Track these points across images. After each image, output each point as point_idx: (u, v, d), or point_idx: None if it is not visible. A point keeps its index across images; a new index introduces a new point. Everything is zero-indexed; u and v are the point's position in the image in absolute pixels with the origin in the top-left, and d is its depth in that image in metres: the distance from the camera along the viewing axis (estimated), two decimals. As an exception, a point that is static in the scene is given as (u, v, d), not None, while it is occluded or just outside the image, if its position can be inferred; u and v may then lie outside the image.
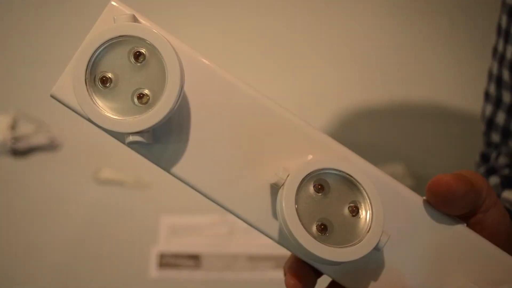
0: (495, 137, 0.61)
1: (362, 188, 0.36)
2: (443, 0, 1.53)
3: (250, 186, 0.37)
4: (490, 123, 0.61)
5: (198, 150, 0.37)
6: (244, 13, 1.49)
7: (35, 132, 1.18)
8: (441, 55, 1.40)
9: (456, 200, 0.37)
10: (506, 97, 0.59)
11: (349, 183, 0.36)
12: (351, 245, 0.35)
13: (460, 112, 1.28)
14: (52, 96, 0.36)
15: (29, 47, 1.38)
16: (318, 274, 0.39)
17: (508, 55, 0.57)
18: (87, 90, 0.34)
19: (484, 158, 0.62)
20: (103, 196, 1.12)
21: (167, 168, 0.37)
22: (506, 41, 0.57)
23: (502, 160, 0.59)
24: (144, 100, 0.34)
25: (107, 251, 1.04)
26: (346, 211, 0.36)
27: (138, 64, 0.35)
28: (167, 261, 1.03)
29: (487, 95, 0.62)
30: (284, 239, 0.37)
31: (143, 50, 0.34)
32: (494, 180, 0.57)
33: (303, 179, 0.35)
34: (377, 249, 0.35)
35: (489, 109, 0.61)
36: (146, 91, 0.34)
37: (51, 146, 1.18)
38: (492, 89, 0.61)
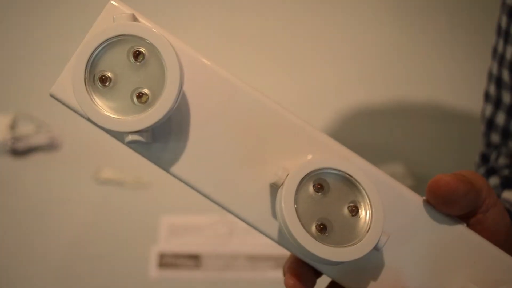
0: (495, 138, 0.61)
1: (361, 188, 0.36)
2: (443, 0, 1.53)
3: (249, 186, 0.37)
4: (490, 124, 0.61)
5: (197, 149, 0.37)
6: (244, 13, 1.49)
7: (35, 132, 1.18)
8: (441, 55, 1.40)
9: (456, 200, 0.37)
10: (506, 97, 0.59)
11: (349, 183, 0.36)
12: (350, 245, 0.35)
13: (460, 112, 1.28)
14: (51, 96, 0.36)
15: (28, 46, 1.38)
16: (318, 274, 0.39)
17: (508, 56, 0.57)
18: (86, 89, 0.34)
19: (484, 158, 0.62)
20: (103, 196, 1.12)
21: (166, 168, 0.37)
22: (506, 42, 0.57)
23: (502, 160, 0.59)
24: (144, 99, 0.34)
25: (107, 251, 1.04)
26: (345, 211, 0.36)
27: (138, 63, 0.35)
28: (167, 261, 1.03)
29: (487, 96, 0.62)
30: (283, 239, 0.37)
31: (142, 49, 0.34)
32: (494, 180, 0.57)
33: (303, 179, 0.35)
34: (376, 249, 0.35)
35: (489, 109, 0.61)
36: (146, 90, 0.34)
37: (51, 146, 1.18)
38: (492, 89, 0.61)
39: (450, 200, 0.37)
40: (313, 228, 0.35)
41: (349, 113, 1.27)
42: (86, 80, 0.34)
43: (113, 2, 0.37)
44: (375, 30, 1.46)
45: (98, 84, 0.34)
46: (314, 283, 0.38)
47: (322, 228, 0.35)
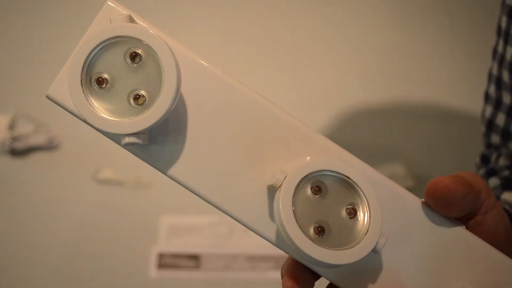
0: (495, 139, 0.60)
1: (360, 190, 0.36)
2: (443, 0, 1.53)
3: (247, 188, 0.37)
4: (490, 125, 0.61)
5: (195, 151, 0.37)
6: (242, 13, 1.49)
7: (34, 131, 1.18)
8: (441, 55, 1.40)
9: (455, 202, 0.37)
10: (506, 98, 0.58)
11: (347, 185, 0.36)
12: (348, 248, 0.34)
13: (460, 112, 1.28)
14: (48, 97, 0.36)
15: (28, 47, 1.38)
16: (316, 276, 0.38)
17: (508, 56, 0.57)
18: (83, 91, 0.34)
19: (484, 159, 0.62)
20: (103, 196, 1.12)
21: (163, 170, 0.36)
22: (506, 42, 0.57)
23: (502, 161, 0.59)
24: (141, 101, 0.34)
25: (106, 251, 1.04)
26: (343, 213, 0.35)
27: (135, 65, 0.34)
28: (166, 261, 1.03)
29: (487, 96, 0.62)
30: (281, 241, 0.36)
31: (139, 51, 0.34)
32: (494, 181, 0.57)
33: (300, 181, 0.35)
34: (375, 251, 0.35)
35: (489, 110, 0.61)
36: (143, 92, 0.34)
37: (50, 146, 1.18)
38: (492, 90, 0.60)
39: (448, 202, 0.37)
40: (311, 230, 0.34)
41: (349, 113, 1.27)
42: (82, 81, 0.34)
43: (110, 3, 0.37)
44: (375, 30, 1.46)
45: (95, 85, 0.34)
46: (312, 285, 0.38)
47: (320, 230, 0.35)
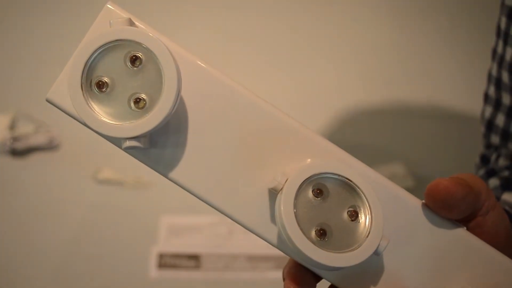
0: (495, 139, 0.60)
1: (361, 193, 0.36)
2: (443, 0, 1.53)
3: (248, 191, 0.37)
4: (489, 125, 0.61)
5: (195, 154, 0.37)
6: (242, 13, 1.49)
7: (34, 132, 1.18)
8: (441, 55, 1.40)
9: (455, 204, 0.37)
10: (505, 99, 0.58)
11: (348, 187, 0.36)
12: (350, 250, 0.34)
13: (460, 112, 1.28)
14: (48, 101, 0.36)
15: (28, 47, 1.38)
16: (318, 278, 0.38)
17: (507, 57, 0.57)
18: (83, 95, 0.34)
19: (484, 160, 0.62)
20: (103, 196, 1.12)
21: (164, 173, 0.36)
22: (505, 43, 0.57)
23: (502, 162, 0.59)
24: (141, 104, 0.34)
25: (107, 251, 1.04)
26: (345, 215, 0.35)
27: (135, 68, 0.34)
28: (166, 261, 1.03)
29: (486, 97, 0.62)
30: (282, 244, 0.36)
31: (139, 54, 0.34)
32: (493, 182, 0.57)
33: (302, 184, 0.35)
34: (376, 253, 0.35)
35: (488, 111, 0.61)
36: (143, 96, 0.34)
37: (50, 146, 1.18)
38: (492, 91, 0.60)
39: (449, 204, 0.37)
40: (313, 233, 0.34)
41: (349, 113, 1.27)
42: (82, 85, 0.34)
43: (109, 6, 0.37)
44: (375, 30, 1.46)
45: (95, 89, 0.34)
46: (314, 287, 0.38)
47: (322, 233, 0.35)
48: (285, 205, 0.34)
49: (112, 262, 1.03)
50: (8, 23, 1.42)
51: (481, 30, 1.38)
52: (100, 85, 0.34)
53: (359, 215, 0.35)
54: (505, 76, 0.58)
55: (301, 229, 0.34)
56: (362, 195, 0.36)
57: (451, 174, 0.39)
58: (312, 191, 0.35)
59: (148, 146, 0.35)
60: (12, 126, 1.19)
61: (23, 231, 1.07)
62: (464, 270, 0.38)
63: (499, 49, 0.58)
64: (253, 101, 0.37)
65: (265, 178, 0.37)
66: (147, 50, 0.34)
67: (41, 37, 1.39)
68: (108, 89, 0.34)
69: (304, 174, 0.35)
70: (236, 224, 0.38)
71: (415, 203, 0.38)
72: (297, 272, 0.37)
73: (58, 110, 0.37)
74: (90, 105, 0.34)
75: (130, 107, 0.34)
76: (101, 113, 0.34)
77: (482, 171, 0.60)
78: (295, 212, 0.34)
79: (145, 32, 0.34)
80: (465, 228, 0.39)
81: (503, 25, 0.57)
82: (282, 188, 0.35)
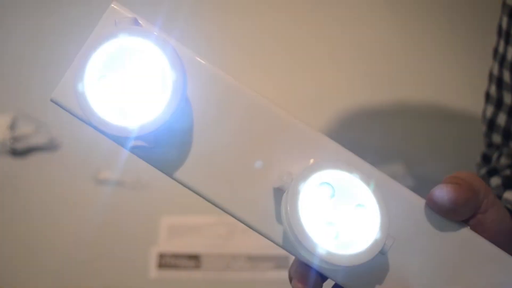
0: (496, 138, 0.60)
1: (367, 192, 0.36)
2: (444, 0, 1.53)
3: (252, 190, 0.37)
4: (491, 125, 0.61)
5: (200, 154, 0.37)
6: (243, 13, 1.49)
7: (35, 132, 1.18)
8: (442, 55, 1.40)
9: (457, 210, 0.38)
10: (507, 98, 0.59)
11: (354, 187, 0.36)
12: (356, 249, 0.34)
13: (460, 112, 1.28)
14: (53, 101, 0.36)
15: (29, 47, 1.37)
16: (324, 277, 0.38)
17: (508, 57, 0.57)
18: (89, 95, 0.34)
19: (486, 159, 0.62)
20: (103, 196, 1.11)
21: (170, 173, 0.36)
22: (506, 43, 0.57)
23: (504, 161, 0.59)
24: (147, 104, 0.34)
25: (107, 251, 1.04)
26: (350, 214, 0.36)
27: (141, 67, 0.34)
28: (166, 261, 1.03)
29: (488, 96, 0.62)
30: (288, 243, 0.36)
31: (146, 54, 0.34)
32: (495, 181, 0.57)
33: (308, 183, 0.35)
34: (382, 252, 0.35)
35: (490, 110, 0.61)
36: (149, 96, 0.34)
37: (50, 146, 1.18)
38: (493, 90, 0.60)
39: (451, 210, 0.38)
40: (319, 233, 0.35)
41: (349, 113, 1.27)
42: (88, 85, 0.34)
43: (113, 6, 0.37)
44: (375, 30, 1.46)
45: (100, 89, 0.34)
46: (321, 286, 0.38)
47: (328, 232, 0.35)
48: (291, 204, 0.34)
49: (112, 262, 1.03)
50: (8, 23, 1.42)
51: (481, 30, 1.38)
52: (106, 85, 0.34)
53: (365, 214, 0.36)
54: (506, 76, 0.58)
55: (308, 229, 0.34)
56: (368, 194, 0.36)
57: (451, 174, 0.39)
58: (318, 190, 0.35)
59: (153, 145, 0.35)
60: (12, 126, 1.19)
61: (23, 231, 1.06)
62: (468, 269, 0.39)
63: (501, 48, 0.58)
64: (258, 101, 0.37)
65: (270, 177, 0.37)
66: (153, 50, 0.34)
67: (41, 37, 1.39)
68: (114, 89, 0.34)
69: (310, 173, 0.35)
70: (236, 224, 0.37)
71: (419, 203, 0.39)
72: (303, 271, 0.37)
73: (58, 108, 0.36)
74: (95, 105, 0.34)
75: (136, 107, 0.34)
76: (106, 113, 0.34)
77: (483, 170, 0.60)
78: (301, 212, 0.34)
79: (150, 32, 0.34)
80: (468, 227, 0.39)
81: (504, 25, 0.57)
82: (288, 188, 0.35)
